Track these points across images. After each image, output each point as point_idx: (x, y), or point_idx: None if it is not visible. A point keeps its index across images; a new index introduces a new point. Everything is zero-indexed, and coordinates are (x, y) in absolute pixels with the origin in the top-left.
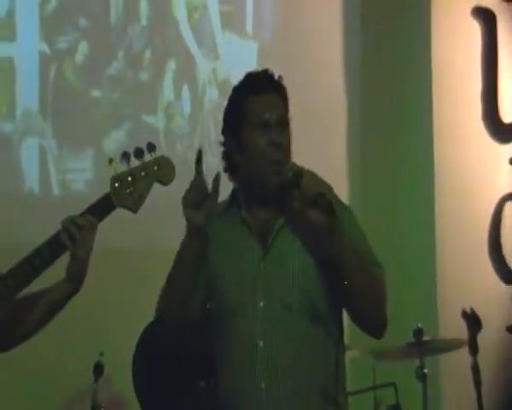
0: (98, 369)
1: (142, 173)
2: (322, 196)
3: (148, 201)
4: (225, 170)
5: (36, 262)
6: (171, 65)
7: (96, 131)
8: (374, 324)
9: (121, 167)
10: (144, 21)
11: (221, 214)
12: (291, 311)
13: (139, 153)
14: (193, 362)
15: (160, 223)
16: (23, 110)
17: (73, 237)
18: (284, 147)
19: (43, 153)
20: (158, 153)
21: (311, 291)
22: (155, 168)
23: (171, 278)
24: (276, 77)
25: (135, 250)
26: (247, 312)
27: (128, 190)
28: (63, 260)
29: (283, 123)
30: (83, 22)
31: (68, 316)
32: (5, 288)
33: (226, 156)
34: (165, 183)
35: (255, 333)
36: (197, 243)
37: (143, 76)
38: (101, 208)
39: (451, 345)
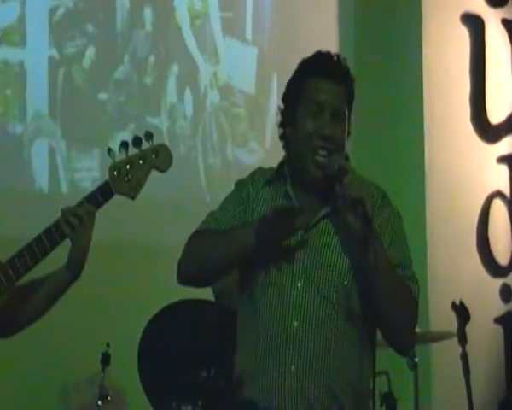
0: (105, 359)
1: (140, 161)
2: (362, 203)
3: (156, 198)
4: (280, 137)
5: (35, 250)
6: (175, 69)
7: (103, 132)
8: (400, 341)
9: (120, 157)
10: (149, 28)
11: (269, 182)
12: (329, 302)
13: (137, 141)
14: (194, 352)
15: (167, 219)
16: (33, 112)
17: (73, 227)
18: (334, 140)
19: (52, 153)
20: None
21: (347, 288)
22: (153, 156)
23: (209, 244)
24: (346, 66)
25: (142, 244)
26: (284, 287)
27: (126, 178)
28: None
29: (339, 116)
30: (90, 28)
31: (77, 308)
32: (5, 276)
33: (281, 125)
34: (162, 170)
35: (291, 312)
36: (258, 249)
37: (148, 80)
38: (100, 196)
39: (441, 337)
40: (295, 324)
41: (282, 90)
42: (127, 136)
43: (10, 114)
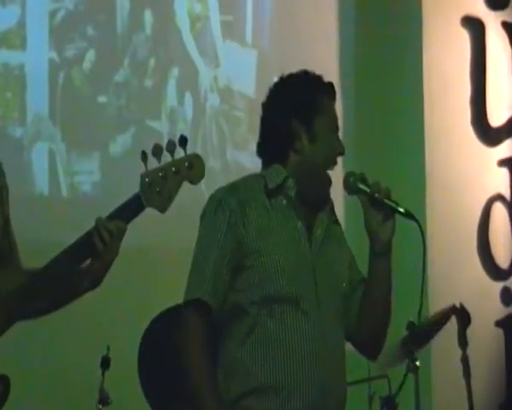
0: (105, 362)
1: (173, 169)
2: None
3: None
4: (289, 149)
5: (71, 258)
6: (175, 72)
7: (103, 135)
8: (380, 346)
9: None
10: (149, 31)
11: (273, 192)
12: (339, 318)
13: (171, 147)
14: None
15: (166, 222)
16: (33, 115)
17: (105, 242)
18: None
19: (52, 156)
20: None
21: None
22: (186, 165)
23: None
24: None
25: (141, 247)
26: (309, 304)
27: (158, 189)
28: None
29: None
30: (90, 31)
31: (77, 311)
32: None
33: (289, 137)
34: (194, 182)
35: (323, 330)
36: None
37: (148, 83)
38: (131, 210)
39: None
40: (331, 342)
41: None
42: (127, 139)
43: (10, 117)
